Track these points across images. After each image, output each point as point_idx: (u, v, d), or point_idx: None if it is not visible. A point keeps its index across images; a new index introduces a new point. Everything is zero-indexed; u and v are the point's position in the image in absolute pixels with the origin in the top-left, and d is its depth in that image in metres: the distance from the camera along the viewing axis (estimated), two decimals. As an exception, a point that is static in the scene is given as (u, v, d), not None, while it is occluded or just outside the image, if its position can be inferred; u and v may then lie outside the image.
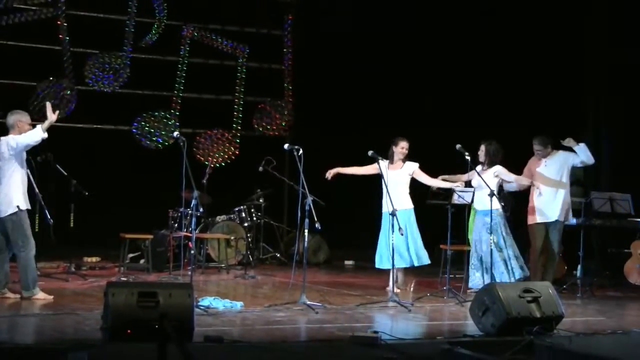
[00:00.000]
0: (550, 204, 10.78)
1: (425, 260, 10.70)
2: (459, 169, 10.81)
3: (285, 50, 15.69)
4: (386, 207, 10.41)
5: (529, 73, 13.73)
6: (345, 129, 14.59)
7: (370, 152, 10.01)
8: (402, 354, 6.83)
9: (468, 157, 10.25)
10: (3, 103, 13.51)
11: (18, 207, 9.11)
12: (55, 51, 14.16)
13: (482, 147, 10.72)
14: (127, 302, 6.71)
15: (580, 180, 13.42)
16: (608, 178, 13.12)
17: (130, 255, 12.30)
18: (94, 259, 12.57)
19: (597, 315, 9.36)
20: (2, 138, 9.28)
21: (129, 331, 6.62)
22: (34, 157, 10.12)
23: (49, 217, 10.45)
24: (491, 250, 10.25)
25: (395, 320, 8.75)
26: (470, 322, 7.95)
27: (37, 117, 10.91)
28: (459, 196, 10.35)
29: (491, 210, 10.20)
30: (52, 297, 9.20)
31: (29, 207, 9.38)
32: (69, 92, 14.12)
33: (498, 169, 10.62)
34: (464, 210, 11.22)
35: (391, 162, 10.68)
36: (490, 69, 14.13)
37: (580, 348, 7.11)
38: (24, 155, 9.31)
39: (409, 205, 10.63)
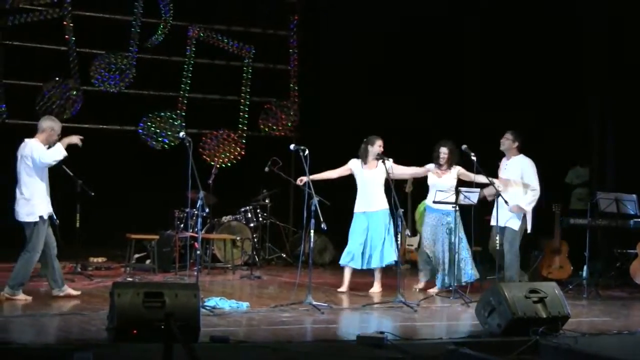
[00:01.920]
0: (503, 208, 10.57)
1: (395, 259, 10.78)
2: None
3: (290, 50, 15.69)
4: (358, 208, 10.58)
5: (529, 73, 13.69)
6: (350, 129, 14.56)
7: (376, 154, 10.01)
8: (408, 354, 6.84)
9: (474, 158, 10.29)
10: (9, 103, 13.59)
11: (40, 217, 9.16)
12: (61, 52, 14.19)
13: (444, 149, 10.65)
14: (133, 302, 6.72)
15: (585, 181, 13.40)
16: (614, 178, 13.07)
17: (136, 255, 12.31)
18: (99, 259, 12.59)
19: (602, 316, 9.34)
20: (28, 140, 9.26)
21: (134, 331, 6.64)
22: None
23: (54, 217, 10.43)
24: (450, 249, 10.50)
25: (401, 321, 8.74)
26: (476, 323, 7.94)
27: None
28: (465, 197, 10.34)
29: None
30: (30, 297, 9.19)
31: (51, 211, 9.38)
32: (74, 92, 14.14)
33: (460, 169, 10.65)
34: (470, 211, 11.19)
35: (365, 161, 10.60)
36: (490, 72, 14.10)
37: (586, 348, 7.13)
38: None
39: (385, 205, 10.50)
